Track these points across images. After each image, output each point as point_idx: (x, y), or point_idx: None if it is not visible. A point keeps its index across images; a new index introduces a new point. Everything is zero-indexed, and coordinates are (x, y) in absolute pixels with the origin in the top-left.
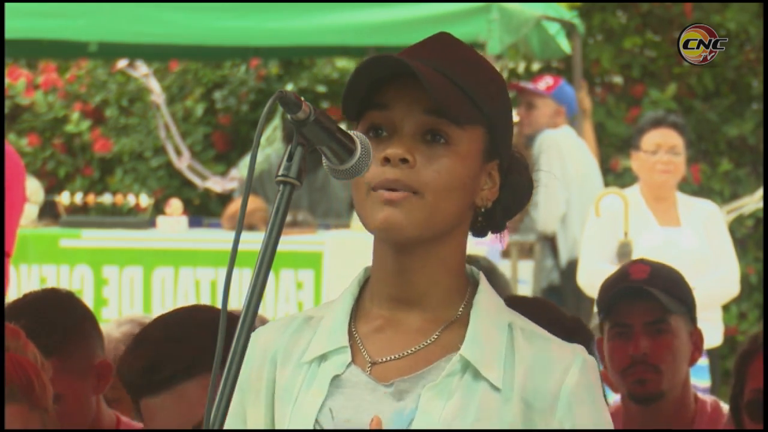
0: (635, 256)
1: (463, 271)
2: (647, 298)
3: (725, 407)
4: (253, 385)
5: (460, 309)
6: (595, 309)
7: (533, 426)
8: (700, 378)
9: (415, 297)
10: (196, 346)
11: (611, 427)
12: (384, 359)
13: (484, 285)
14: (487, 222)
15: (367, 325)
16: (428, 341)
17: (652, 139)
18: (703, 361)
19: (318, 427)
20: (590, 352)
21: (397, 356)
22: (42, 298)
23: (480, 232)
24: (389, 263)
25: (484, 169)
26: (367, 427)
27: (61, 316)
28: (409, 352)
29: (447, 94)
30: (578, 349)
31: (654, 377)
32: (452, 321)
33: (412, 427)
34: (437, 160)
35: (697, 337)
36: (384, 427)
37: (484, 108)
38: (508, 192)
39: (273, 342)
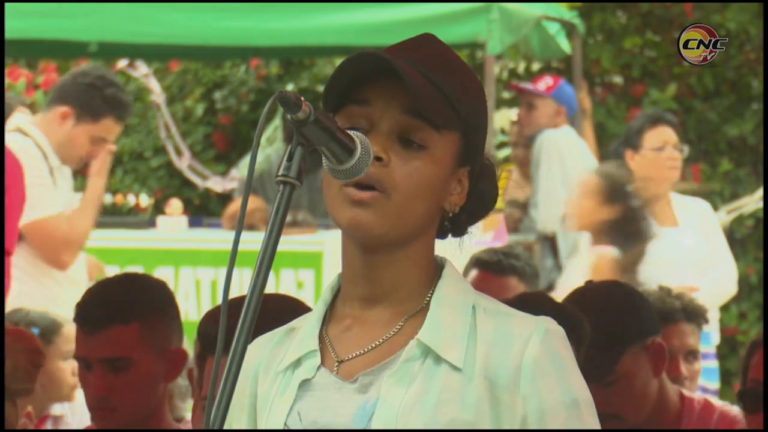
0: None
1: (431, 267)
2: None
3: (717, 404)
4: (237, 401)
5: (426, 299)
6: None
7: (500, 403)
8: (709, 380)
9: (383, 294)
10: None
11: (584, 396)
12: (350, 356)
13: (448, 270)
14: (451, 226)
15: (337, 326)
16: (391, 333)
17: (658, 136)
18: (713, 363)
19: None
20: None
21: (362, 352)
22: (141, 276)
23: (442, 236)
24: (357, 263)
25: (455, 174)
26: (334, 426)
27: (153, 291)
28: (373, 346)
29: (427, 96)
30: (541, 320)
31: (616, 423)
32: (417, 311)
33: (374, 417)
34: (411, 161)
35: (655, 348)
36: (349, 423)
37: (462, 113)
38: (475, 198)
39: (257, 357)
